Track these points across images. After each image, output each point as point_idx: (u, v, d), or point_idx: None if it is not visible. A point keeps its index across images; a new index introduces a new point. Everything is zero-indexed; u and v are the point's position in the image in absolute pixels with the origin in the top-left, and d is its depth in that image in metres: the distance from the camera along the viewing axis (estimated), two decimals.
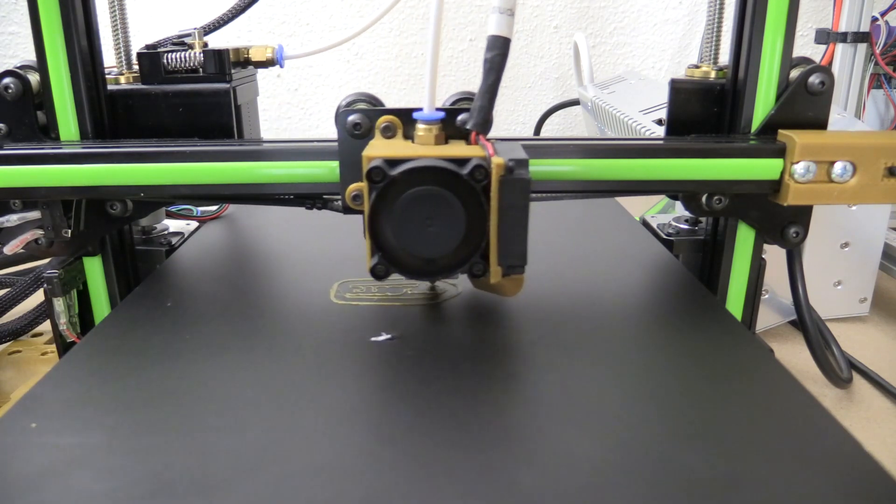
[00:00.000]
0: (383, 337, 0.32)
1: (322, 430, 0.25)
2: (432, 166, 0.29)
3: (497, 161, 0.29)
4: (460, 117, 0.32)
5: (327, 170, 0.35)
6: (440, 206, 0.29)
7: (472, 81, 1.07)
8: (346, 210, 0.33)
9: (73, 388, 0.27)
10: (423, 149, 0.31)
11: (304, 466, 0.23)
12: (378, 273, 0.31)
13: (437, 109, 0.32)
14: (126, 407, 0.26)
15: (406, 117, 0.33)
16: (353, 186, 0.31)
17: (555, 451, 0.23)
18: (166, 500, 0.21)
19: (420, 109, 0.32)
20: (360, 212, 0.31)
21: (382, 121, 0.33)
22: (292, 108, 1.09)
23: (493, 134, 0.32)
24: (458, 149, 0.31)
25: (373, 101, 0.37)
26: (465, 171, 0.29)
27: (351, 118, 0.33)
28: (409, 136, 0.33)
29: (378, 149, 0.31)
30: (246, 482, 0.22)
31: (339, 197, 0.36)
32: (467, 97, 0.37)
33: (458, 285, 0.37)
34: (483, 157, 0.29)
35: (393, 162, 0.29)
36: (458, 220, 0.30)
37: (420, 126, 0.32)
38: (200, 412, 0.26)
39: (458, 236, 0.30)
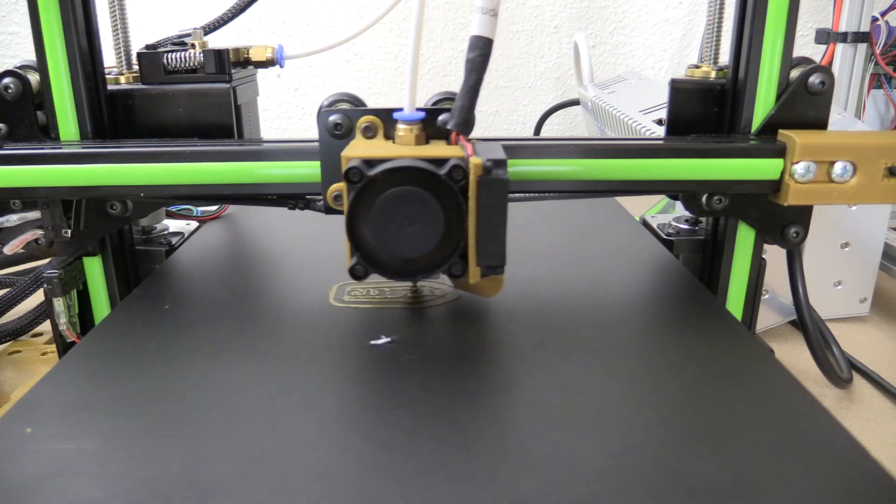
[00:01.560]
0: (383, 340, 0.31)
1: (320, 435, 0.25)
2: (410, 166, 0.29)
3: (475, 161, 0.29)
4: (441, 117, 0.32)
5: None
6: (418, 206, 0.29)
7: None
8: (328, 210, 0.33)
9: (68, 393, 0.27)
10: (402, 149, 0.31)
11: (302, 472, 0.22)
12: (357, 273, 0.31)
13: (418, 110, 0.32)
14: (122, 412, 0.26)
15: (387, 117, 0.33)
16: (334, 187, 0.31)
17: (554, 455, 0.23)
18: None
19: (402, 109, 0.32)
20: (342, 212, 0.30)
21: (363, 121, 0.33)
22: (292, 108, 1.09)
23: (493, 134, 0.32)
24: (437, 149, 0.31)
25: (355, 101, 0.37)
26: (443, 171, 0.29)
27: (332, 118, 0.33)
28: (389, 136, 0.33)
29: (357, 149, 0.31)
30: (243, 488, 0.21)
31: (321, 197, 0.36)
32: (449, 97, 0.37)
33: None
34: (461, 157, 0.29)
35: (371, 162, 0.29)
36: (437, 221, 0.29)
37: (400, 126, 0.32)
38: (197, 417, 0.26)
39: (437, 237, 0.30)
